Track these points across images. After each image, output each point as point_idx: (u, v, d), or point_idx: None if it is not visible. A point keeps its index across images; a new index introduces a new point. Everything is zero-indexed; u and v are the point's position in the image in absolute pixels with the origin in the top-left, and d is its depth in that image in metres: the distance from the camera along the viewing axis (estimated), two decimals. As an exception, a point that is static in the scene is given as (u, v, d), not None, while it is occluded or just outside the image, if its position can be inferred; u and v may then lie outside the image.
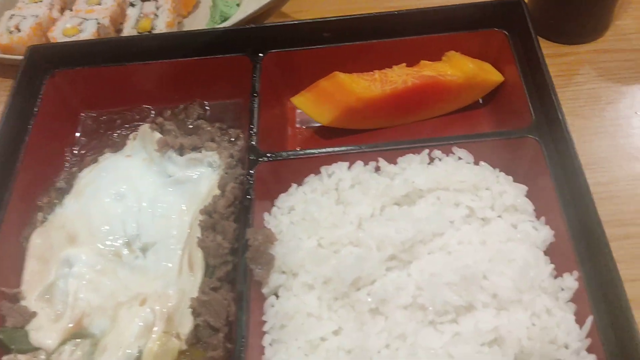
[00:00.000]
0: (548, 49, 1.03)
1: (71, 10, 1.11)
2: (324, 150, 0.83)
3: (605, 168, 0.88)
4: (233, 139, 0.91)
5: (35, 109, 0.92)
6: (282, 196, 0.82)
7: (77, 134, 0.97)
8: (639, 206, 0.84)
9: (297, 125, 0.96)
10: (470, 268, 0.68)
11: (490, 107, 0.94)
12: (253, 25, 0.96)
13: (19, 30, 1.07)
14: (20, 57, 0.96)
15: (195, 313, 0.73)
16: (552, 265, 0.71)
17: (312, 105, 0.91)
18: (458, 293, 0.67)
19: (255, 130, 0.85)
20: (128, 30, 1.07)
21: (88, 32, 1.06)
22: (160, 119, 0.93)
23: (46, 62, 0.96)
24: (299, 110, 0.95)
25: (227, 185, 0.81)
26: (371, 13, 0.93)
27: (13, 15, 1.10)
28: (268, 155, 0.82)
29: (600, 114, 0.94)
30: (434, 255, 0.72)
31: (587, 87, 0.98)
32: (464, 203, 0.76)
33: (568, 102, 0.96)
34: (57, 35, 1.06)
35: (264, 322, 0.72)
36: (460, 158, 0.80)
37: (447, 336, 0.66)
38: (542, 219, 0.76)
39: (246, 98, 0.90)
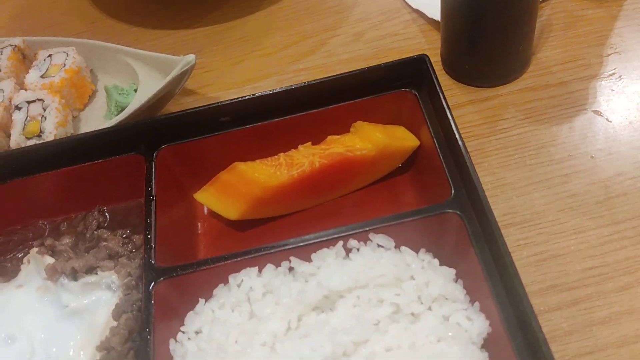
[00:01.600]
0: (468, 94, 0.96)
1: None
2: (229, 255, 0.73)
3: (542, 224, 0.80)
4: (135, 250, 0.82)
5: None
6: (190, 315, 0.73)
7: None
8: (585, 264, 0.76)
9: (207, 221, 0.87)
10: (399, 385, 0.60)
11: (411, 173, 0.85)
12: (142, 120, 0.88)
13: None
14: None
15: None
16: (491, 365, 0.63)
17: (216, 201, 0.82)
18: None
19: (153, 242, 0.76)
20: (16, 137, 0.97)
21: (-28, 146, 0.97)
22: (49, 241, 0.83)
23: None
24: (207, 205, 0.87)
25: (121, 316, 0.71)
26: (270, 91, 0.85)
27: None
28: (167, 272, 0.73)
29: (532, 162, 0.87)
30: (360, 370, 0.63)
31: (514, 133, 0.90)
32: (388, 300, 0.68)
33: (496, 153, 0.89)
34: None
35: None
36: (379, 245, 0.72)
37: None
38: (476, 305, 0.67)
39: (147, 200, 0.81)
